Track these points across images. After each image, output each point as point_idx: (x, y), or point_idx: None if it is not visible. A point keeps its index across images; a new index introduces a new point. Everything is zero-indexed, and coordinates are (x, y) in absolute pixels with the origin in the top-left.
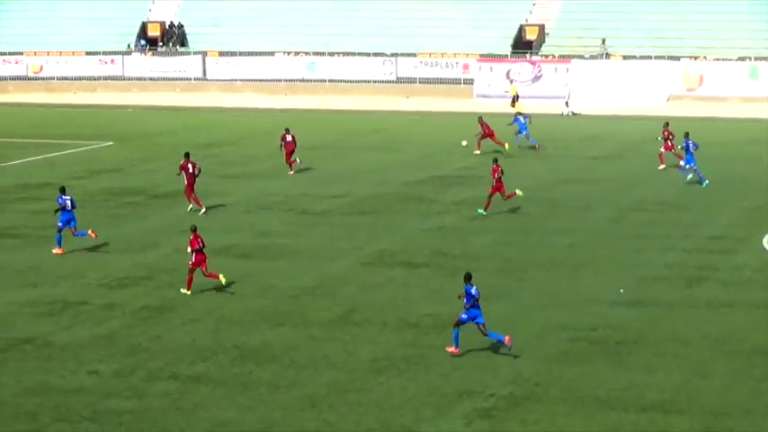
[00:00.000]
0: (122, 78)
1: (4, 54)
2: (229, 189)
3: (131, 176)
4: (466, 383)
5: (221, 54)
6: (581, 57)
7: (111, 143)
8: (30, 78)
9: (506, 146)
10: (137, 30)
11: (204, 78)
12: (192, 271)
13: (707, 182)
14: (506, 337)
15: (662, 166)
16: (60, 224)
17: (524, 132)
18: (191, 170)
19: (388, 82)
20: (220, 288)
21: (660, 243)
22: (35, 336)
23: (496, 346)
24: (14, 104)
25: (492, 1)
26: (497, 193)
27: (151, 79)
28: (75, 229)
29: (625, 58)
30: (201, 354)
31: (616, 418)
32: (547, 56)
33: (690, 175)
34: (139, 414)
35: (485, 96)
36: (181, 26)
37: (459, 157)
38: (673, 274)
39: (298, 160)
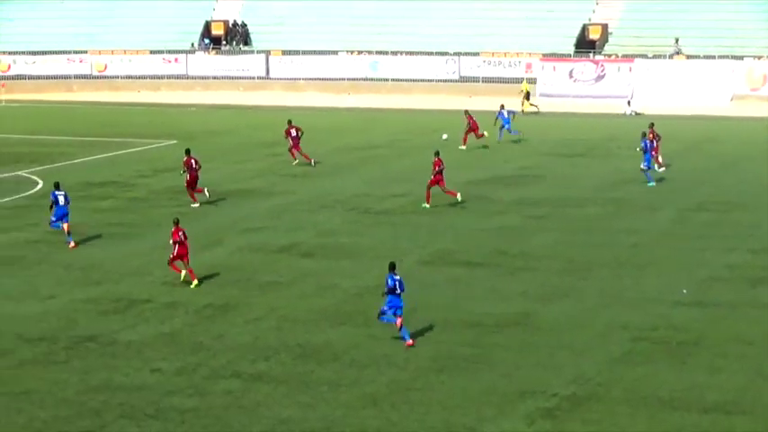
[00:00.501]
0: (186, 77)
1: (68, 53)
2: (292, 188)
3: None
4: (528, 383)
5: (284, 53)
6: (644, 56)
7: (174, 142)
8: (94, 77)
9: (485, 133)
10: (200, 29)
11: (267, 77)
12: (171, 262)
13: (653, 183)
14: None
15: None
16: (54, 218)
17: (507, 126)
18: (194, 166)
19: (451, 81)
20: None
21: (723, 243)
22: (99, 333)
23: (559, 346)
24: (79, 103)
25: (555, 0)
26: (438, 186)
27: (214, 78)
28: (68, 224)
29: (688, 57)
30: (263, 352)
31: (678, 418)
32: (610, 55)
33: (652, 182)
34: (202, 412)
35: (547, 96)
36: (244, 25)
37: (520, 157)
38: (736, 275)
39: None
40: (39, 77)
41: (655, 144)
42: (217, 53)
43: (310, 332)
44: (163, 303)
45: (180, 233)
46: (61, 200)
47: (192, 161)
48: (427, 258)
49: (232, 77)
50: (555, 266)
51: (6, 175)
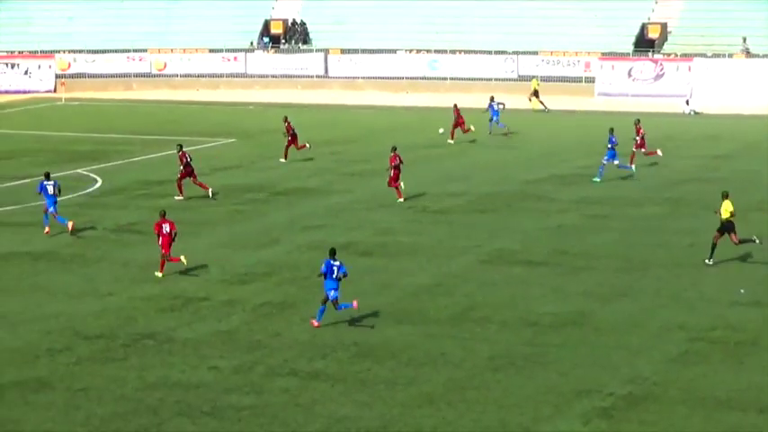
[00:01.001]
0: (245, 76)
1: (128, 51)
2: (351, 186)
3: (253, 173)
4: (584, 382)
5: (343, 52)
6: (703, 55)
7: (233, 140)
8: (153, 75)
9: (472, 128)
10: (260, 27)
11: (326, 76)
12: (164, 255)
13: (598, 179)
14: (354, 303)
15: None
16: (49, 207)
17: (496, 119)
18: (187, 160)
19: (510, 80)
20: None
21: None
22: (157, 331)
23: (616, 346)
24: (138, 101)
25: None
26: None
27: (273, 77)
28: (55, 213)
29: (748, 56)
30: (321, 350)
31: (735, 419)
32: (669, 54)
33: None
34: (258, 409)
35: (606, 95)
36: (303, 24)
37: (580, 156)
38: None
39: (308, 145)
40: (99, 76)
41: (638, 140)
42: (276, 52)
43: (367, 330)
44: (220, 301)
45: (164, 225)
46: (50, 189)
47: (187, 156)
48: (486, 257)
49: (291, 76)
50: (612, 266)
51: (66, 172)
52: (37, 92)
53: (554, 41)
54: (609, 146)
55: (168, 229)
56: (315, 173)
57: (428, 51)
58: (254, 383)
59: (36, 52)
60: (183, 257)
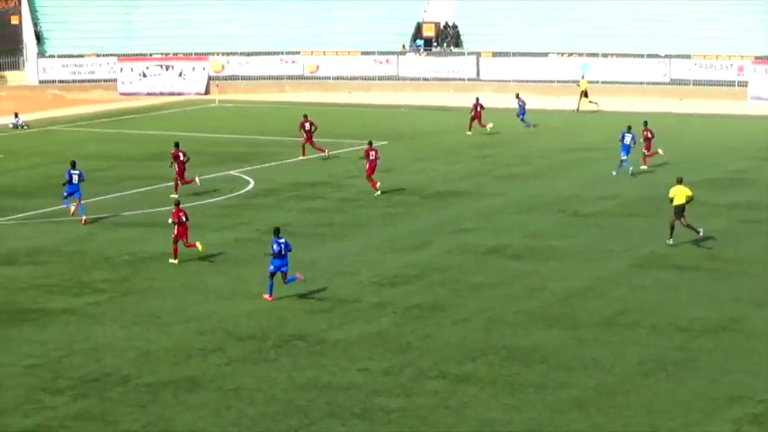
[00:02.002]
0: (397, 78)
1: (281, 54)
2: (501, 189)
3: (404, 176)
4: (735, 388)
5: (495, 55)
6: None
7: (385, 142)
8: (306, 78)
9: (488, 126)
10: (412, 30)
11: (478, 79)
12: (175, 242)
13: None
14: (297, 274)
15: (644, 167)
16: (66, 193)
17: (522, 116)
18: (181, 158)
19: (662, 84)
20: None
21: None
22: (308, 332)
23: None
24: (290, 103)
25: (766, 1)
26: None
27: (425, 79)
28: (79, 200)
29: None
30: (470, 354)
31: None
32: None
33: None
34: (408, 412)
35: (759, 99)
36: (455, 26)
37: (733, 160)
38: None
39: (326, 152)
40: (251, 78)
41: (645, 142)
42: (428, 54)
43: (518, 334)
44: (371, 303)
45: (180, 214)
46: (75, 178)
47: (180, 153)
48: (636, 261)
49: (442, 79)
50: (764, 271)
51: (219, 174)
52: (189, 93)
53: (707, 45)
54: (622, 141)
55: (185, 219)
56: (466, 176)
57: (580, 54)
58: (403, 385)
59: (190, 54)
60: (198, 244)
